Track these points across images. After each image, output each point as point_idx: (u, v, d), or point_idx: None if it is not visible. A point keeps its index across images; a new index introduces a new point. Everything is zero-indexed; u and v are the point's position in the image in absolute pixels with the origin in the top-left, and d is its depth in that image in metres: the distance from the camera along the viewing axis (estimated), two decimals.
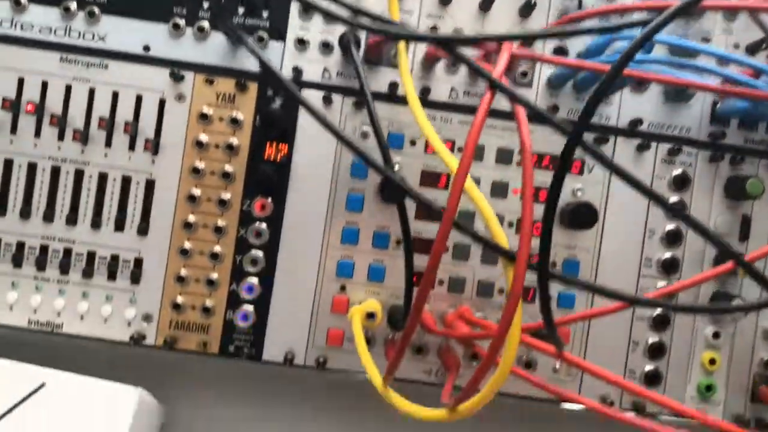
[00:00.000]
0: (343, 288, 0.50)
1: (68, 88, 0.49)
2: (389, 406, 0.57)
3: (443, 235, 0.32)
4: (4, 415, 0.44)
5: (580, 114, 0.31)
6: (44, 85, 0.49)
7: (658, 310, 0.50)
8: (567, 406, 0.59)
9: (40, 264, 0.49)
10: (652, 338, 0.51)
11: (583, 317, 0.41)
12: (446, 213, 0.32)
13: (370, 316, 0.48)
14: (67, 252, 0.49)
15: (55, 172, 0.49)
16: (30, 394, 0.45)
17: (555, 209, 0.32)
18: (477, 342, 0.45)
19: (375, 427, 0.58)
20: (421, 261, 0.40)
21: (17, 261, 0.49)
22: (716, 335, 0.51)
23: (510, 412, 0.58)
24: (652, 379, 0.50)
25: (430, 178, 0.50)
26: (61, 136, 0.49)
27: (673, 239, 0.50)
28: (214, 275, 0.50)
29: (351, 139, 0.40)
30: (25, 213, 0.49)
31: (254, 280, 0.50)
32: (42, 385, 0.46)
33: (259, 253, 0.50)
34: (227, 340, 0.50)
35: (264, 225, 0.50)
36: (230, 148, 0.49)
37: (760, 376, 0.51)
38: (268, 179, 0.49)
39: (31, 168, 0.49)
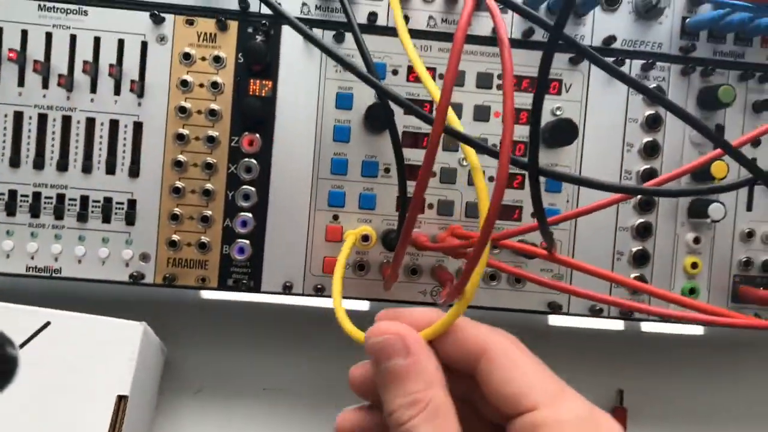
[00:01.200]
0: (335, 217, 0.51)
1: (49, 36, 0.50)
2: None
3: (437, 131, 0.33)
4: None
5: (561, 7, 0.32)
6: (24, 34, 0.49)
7: (641, 219, 0.52)
8: (554, 322, 0.62)
9: (34, 211, 0.50)
10: (636, 247, 0.52)
11: (575, 215, 0.42)
12: (437, 116, 0.33)
13: (365, 238, 0.50)
14: (60, 198, 0.50)
15: (42, 120, 0.50)
16: (35, 334, 0.46)
17: (543, 98, 0.33)
18: (468, 251, 0.47)
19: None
20: (409, 188, 0.42)
21: (11, 209, 0.50)
22: (697, 240, 0.53)
23: None
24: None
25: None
26: (45, 84, 0.50)
27: (651, 151, 0.52)
28: (208, 212, 0.50)
29: (342, 55, 0.41)
30: (15, 162, 0.49)
31: (248, 214, 0.51)
32: (47, 324, 0.46)
33: (251, 188, 0.51)
34: (225, 274, 0.51)
35: (253, 160, 0.51)
36: (215, 86, 0.50)
37: (739, 276, 0.53)
38: (254, 112, 0.49)
39: (18, 117, 0.50)
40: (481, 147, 0.36)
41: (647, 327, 0.62)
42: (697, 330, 0.63)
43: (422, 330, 0.34)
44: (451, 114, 0.38)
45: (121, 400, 0.46)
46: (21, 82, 0.49)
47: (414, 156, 0.51)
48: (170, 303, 0.58)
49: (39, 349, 0.46)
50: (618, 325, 0.62)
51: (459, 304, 0.36)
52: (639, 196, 0.52)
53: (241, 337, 0.59)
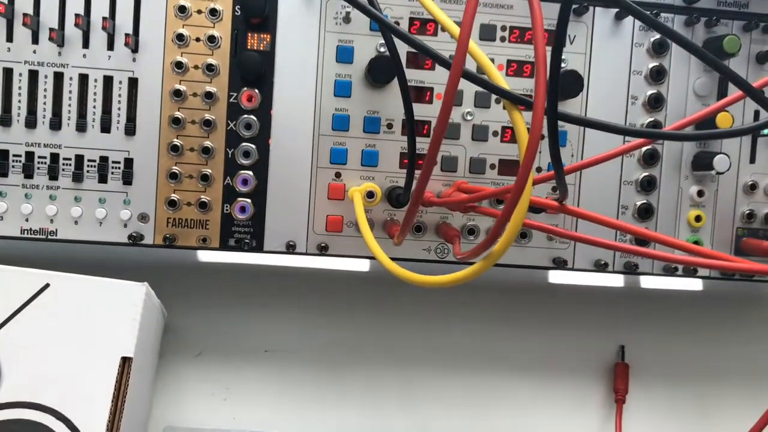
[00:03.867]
0: (338, 175, 0.51)
1: None
2: (386, 298, 0.59)
3: (454, 79, 0.32)
4: (12, 316, 0.44)
5: None
6: None
7: (645, 173, 0.52)
8: (555, 279, 0.62)
9: (28, 171, 0.48)
10: (640, 201, 0.52)
11: (589, 164, 0.42)
12: (457, 54, 0.32)
13: (370, 195, 0.49)
14: (54, 157, 0.49)
15: (33, 77, 0.48)
16: (35, 296, 0.45)
17: (563, 45, 0.32)
18: (476, 205, 0.46)
19: (370, 320, 0.59)
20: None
21: (3, 170, 0.48)
22: (700, 193, 0.52)
23: (501, 296, 0.60)
24: (642, 241, 0.52)
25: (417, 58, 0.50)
26: (35, 39, 0.48)
27: (655, 104, 0.52)
28: (208, 170, 0.49)
29: None
30: (6, 120, 0.48)
31: (248, 172, 0.49)
32: (46, 286, 0.45)
33: (251, 146, 0.49)
34: (227, 234, 0.50)
35: (253, 117, 0.49)
36: (212, 40, 0.48)
37: (742, 229, 0.53)
38: (253, 67, 0.48)
39: (7, 74, 0.48)
40: (505, 94, 0.35)
41: (648, 283, 0.63)
42: (697, 286, 0.63)
43: None
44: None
45: (126, 361, 0.45)
46: (9, 37, 0.48)
47: (417, 111, 0.50)
48: (169, 266, 0.57)
49: (38, 313, 0.45)
50: (619, 281, 0.62)
51: (486, 259, 0.36)
52: (644, 149, 0.52)
53: (242, 300, 0.59)
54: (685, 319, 0.62)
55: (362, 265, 0.60)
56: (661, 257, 0.42)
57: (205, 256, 0.58)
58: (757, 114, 0.53)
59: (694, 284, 0.63)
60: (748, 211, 0.53)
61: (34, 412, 0.43)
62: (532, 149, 0.32)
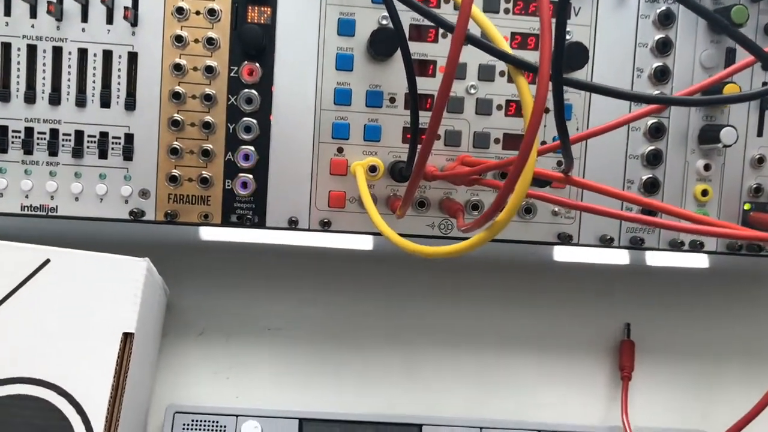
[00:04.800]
0: (340, 150, 0.50)
1: None
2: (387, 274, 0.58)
3: (456, 46, 0.31)
4: (12, 292, 0.44)
5: None
6: None
7: (651, 147, 0.51)
8: (559, 257, 0.61)
9: (27, 147, 0.48)
10: (646, 175, 0.52)
11: (595, 133, 0.41)
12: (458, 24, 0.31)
13: (372, 169, 0.48)
14: (54, 133, 0.48)
15: (32, 51, 0.48)
16: (36, 271, 0.44)
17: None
18: (480, 177, 0.45)
19: (374, 299, 0.59)
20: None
21: (2, 146, 0.48)
22: (707, 167, 0.52)
23: (506, 274, 0.60)
24: (648, 214, 0.51)
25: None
26: (33, 13, 0.47)
27: (661, 76, 0.51)
28: (209, 146, 0.49)
29: None
30: (5, 96, 0.47)
31: (250, 147, 0.49)
32: (47, 262, 0.45)
33: (252, 120, 0.49)
34: (229, 210, 0.50)
35: (254, 91, 0.49)
36: (212, 13, 0.48)
37: (750, 203, 0.52)
38: (253, 40, 0.47)
39: (6, 48, 0.47)
40: (512, 60, 0.35)
41: (654, 261, 0.62)
42: (703, 263, 0.63)
43: None
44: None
45: (127, 337, 0.45)
46: (7, 11, 0.47)
47: (420, 85, 0.49)
48: (171, 245, 0.56)
49: (39, 288, 0.45)
50: (624, 259, 0.62)
51: (489, 229, 0.35)
52: (649, 123, 0.51)
53: (244, 279, 0.58)
54: (691, 296, 0.62)
55: (365, 243, 0.60)
56: (668, 226, 0.41)
57: (207, 234, 0.58)
58: (765, 85, 0.52)
59: (701, 261, 0.62)
60: (755, 185, 0.52)
61: (36, 387, 0.43)
62: (537, 113, 0.31)
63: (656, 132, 0.51)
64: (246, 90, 0.49)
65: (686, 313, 0.62)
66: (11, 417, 0.43)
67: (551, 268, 0.61)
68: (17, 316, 0.44)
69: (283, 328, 0.58)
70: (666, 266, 0.62)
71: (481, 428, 0.54)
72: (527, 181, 0.33)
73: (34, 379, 0.43)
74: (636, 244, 0.52)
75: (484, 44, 0.36)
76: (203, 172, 0.49)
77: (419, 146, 0.37)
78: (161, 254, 0.51)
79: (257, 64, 0.49)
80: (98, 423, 0.43)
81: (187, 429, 0.52)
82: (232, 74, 0.49)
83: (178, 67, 0.48)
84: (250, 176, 0.49)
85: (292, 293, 0.59)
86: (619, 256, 0.62)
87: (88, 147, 0.48)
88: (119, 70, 0.48)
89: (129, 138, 0.48)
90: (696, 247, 0.52)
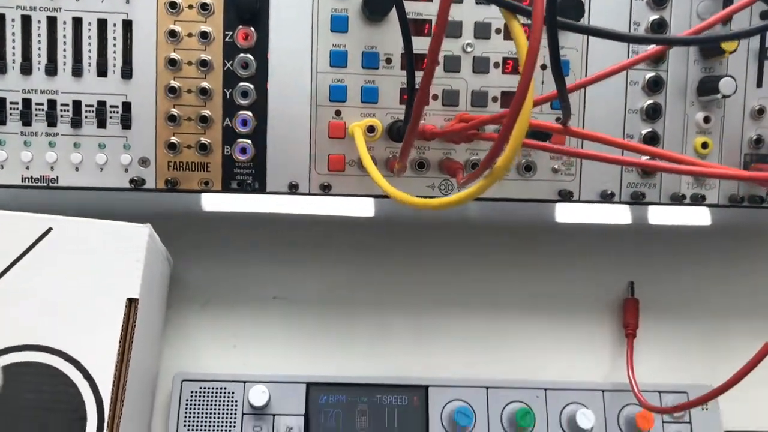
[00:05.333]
0: (338, 113, 0.50)
1: None
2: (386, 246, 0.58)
3: None
4: (16, 261, 0.44)
5: None
6: None
7: (650, 101, 0.51)
8: (561, 218, 0.61)
9: (26, 119, 0.48)
10: (646, 129, 0.51)
11: (593, 80, 0.41)
12: None
13: (371, 129, 0.48)
14: (52, 104, 0.48)
15: (27, 22, 0.47)
16: (38, 240, 0.45)
17: None
18: (477, 131, 0.45)
19: (378, 265, 0.59)
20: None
21: (1, 118, 0.48)
22: (707, 120, 0.52)
23: (509, 237, 0.60)
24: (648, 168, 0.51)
25: None
26: None
27: (657, 29, 0.51)
28: (206, 112, 0.49)
29: None
30: (1, 68, 0.47)
31: (247, 113, 0.49)
32: (49, 230, 0.45)
33: (249, 85, 0.49)
34: (229, 176, 0.50)
35: (250, 55, 0.49)
36: None
37: (750, 155, 0.52)
38: (248, 3, 0.47)
39: (0, 19, 0.47)
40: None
41: (656, 219, 0.62)
42: (705, 220, 0.63)
43: None
44: None
45: (132, 303, 0.45)
46: None
47: (416, 45, 0.49)
48: (173, 216, 0.56)
49: (42, 257, 0.45)
50: (626, 218, 0.62)
51: (489, 177, 0.35)
52: (647, 76, 0.51)
53: (247, 249, 0.59)
54: (694, 254, 0.62)
55: (367, 210, 0.60)
56: (670, 169, 0.41)
57: (209, 204, 0.58)
58: (763, 40, 0.52)
59: (703, 218, 0.62)
60: (755, 137, 0.52)
61: (43, 354, 0.43)
62: (532, 54, 0.31)
63: (655, 85, 0.51)
64: (241, 55, 0.49)
65: (690, 270, 0.62)
66: (20, 384, 0.43)
67: (554, 229, 0.61)
68: (21, 285, 0.44)
69: (288, 296, 0.58)
70: (668, 224, 0.62)
71: (487, 388, 0.55)
72: (524, 125, 0.33)
73: (41, 346, 0.43)
74: (637, 199, 0.52)
75: None
76: (202, 138, 0.49)
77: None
78: (164, 226, 0.51)
79: (252, 29, 0.48)
80: (106, 388, 0.43)
81: (195, 396, 0.53)
82: (227, 39, 0.49)
83: (173, 34, 0.48)
84: (249, 142, 0.49)
85: (296, 261, 0.59)
86: (622, 215, 0.62)
87: (86, 117, 0.48)
88: (114, 38, 0.48)
89: (127, 106, 0.48)
90: (697, 200, 0.52)
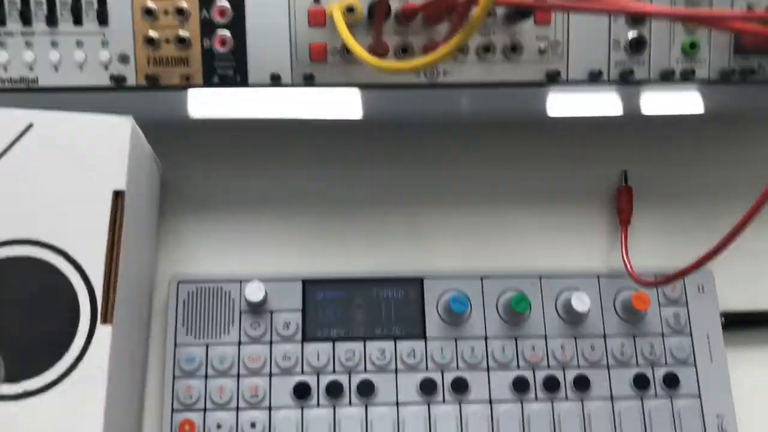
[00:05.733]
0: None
1: None
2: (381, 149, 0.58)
3: None
4: None
5: None
6: None
7: None
8: (553, 113, 0.61)
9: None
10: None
11: None
12: None
13: (350, 9, 0.47)
14: (25, 1, 0.47)
15: None
16: (20, 136, 0.44)
17: None
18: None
19: (370, 166, 0.59)
20: None
21: None
22: None
23: (500, 133, 0.60)
24: (638, 44, 0.50)
25: None
26: None
27: None
28: (183, 3, 0.48)
29: None
30: None
31: (224, 2, 0.48)
32: (30, 126, 0.45)
33: None
34: (210, 71, 0.49)
35: None
36: None
37: None
38: None
39: None
40: None
41: (648, 110, 0.62)
42: (698, 109, 0.62)
43: None
44: None
45: (118, 195, 0.45)
46: None
47: None
48: (160, 123, 0.56)
49: (25, 153, 0.44)
50: (617, 108, 0.61)
51: (465, 29, 0.35)
52: None
53: (237, 155, 0.58)
54: (687, 142, 0.61)
55: (355, 112, 0.60)
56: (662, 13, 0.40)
57: (195, 110, 0.58)
58: None
59: (695, 105, 0.62)
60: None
61: (32, 247, 0.43)
62: None
63: None
64: None
65: (683, 158, 0.61)
66: (11, 278, 0.43)
67: (546, 122, 0.61)
68: (5, 181, 0.44)
69: (281, 200, 0.58)
70: (661, 114, 0.62)
71: (481, 278, 0.55)
72: None
73: (30, 240, 0.43)
74: (625, 78, 0.51)
75: None
76: (180, 31, 0.48)
77: None
78: (151, 132, 0.50)
79: None
80: (97, 277, 0.43)
81: (192, 297, 0.53)
82: None
83: None
84: (227, 32, 0.48)
85: (287, 166, 0.59)
86: (613, 105, 0.61)
87: (61, 14, 0.47)
88: None
89: (102, 1, 0.48)
90: (688, 76, 0.51)
